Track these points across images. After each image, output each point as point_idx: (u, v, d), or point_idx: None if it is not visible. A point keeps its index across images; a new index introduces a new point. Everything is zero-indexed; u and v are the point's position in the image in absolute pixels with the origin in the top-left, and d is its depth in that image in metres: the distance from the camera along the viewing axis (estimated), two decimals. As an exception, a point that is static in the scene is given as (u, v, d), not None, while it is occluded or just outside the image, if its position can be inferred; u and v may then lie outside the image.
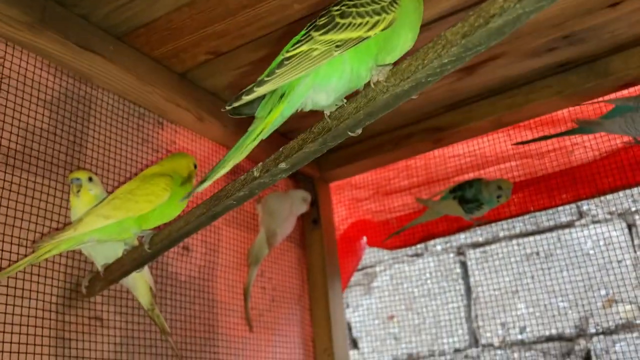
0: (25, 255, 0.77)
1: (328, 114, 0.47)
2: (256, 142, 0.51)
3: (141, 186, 0.78)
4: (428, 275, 2.23)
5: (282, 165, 0.51)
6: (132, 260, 0.73)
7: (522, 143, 1.24)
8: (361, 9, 0.47)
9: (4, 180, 0.78)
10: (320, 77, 0.47)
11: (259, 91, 0.47)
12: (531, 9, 0.36)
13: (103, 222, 0.74)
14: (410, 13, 0.49)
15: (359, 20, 0.46)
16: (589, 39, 1.05)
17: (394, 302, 2.29)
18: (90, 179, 0.83)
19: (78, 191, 0.82)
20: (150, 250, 0.70)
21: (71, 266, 0.84)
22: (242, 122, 1.17)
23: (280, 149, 0.51)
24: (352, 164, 1.37)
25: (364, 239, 1.53)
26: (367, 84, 0.45)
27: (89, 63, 0.90)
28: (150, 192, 0.76)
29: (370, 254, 2.38)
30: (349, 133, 0.47)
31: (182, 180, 0.82)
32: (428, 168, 1.33)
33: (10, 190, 0.79)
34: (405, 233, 1.42)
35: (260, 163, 0.53)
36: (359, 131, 0.47)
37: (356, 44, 0.46)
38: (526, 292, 1.51)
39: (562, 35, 1.03)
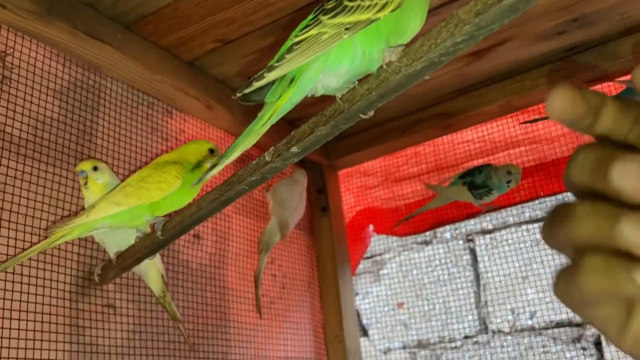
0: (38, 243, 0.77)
1: (340, 96, 0.47)
2: (265, 128, 0.51)
3: (153, 174, 0.78)
4: (437, 262, 2.23)
5: (294, 149, 0.51)
6: (145, 247, 0.73)
7: (530, 122, 1.23)
8: None
9: (16, 169, 0.79)
10: (331, 61, 0.47)
11: (269, 77, 0.47)
12: (545, -15, 0.35)
13: (115, 209, 0.74)
14: None
15: (367, 2, 0.46)
16: (599, 22, 1.04)
17: (403, 290, 2.29)
18: (95, 168, 0.82)
19: (85, 183, 0.82)
20: (162, 236, 0.70)
21: (83, 254, 0.85)
22: (250, 109, 1.17)
23: (292, 133, 0.51)
24: (360, 151, 1.37)
25: (371, 226, 1.53)
26: (380, 66, 0.45)
27: (98, 52, 0.90)
28: (162, 180, 0.76)
29: (378, 242, 2.39)
30: (361, 115, 0.47)
31: (191, 166, 0.82)
32: (437, 154, 1.33)
33: (22, 180, 0.79)
34: (415, 220, 1.42)
35: (272, 147, 0.53)
36: (371, 113, 0.47)
37: (366, 26, 0.46)
38: (536, 277, 1.51)
39: (572, 18, 1.02)
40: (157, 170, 0.78)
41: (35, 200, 0.80)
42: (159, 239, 0.71)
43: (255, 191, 1.23)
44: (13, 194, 0.78)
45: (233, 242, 1.14)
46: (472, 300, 2.01)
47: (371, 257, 2.38)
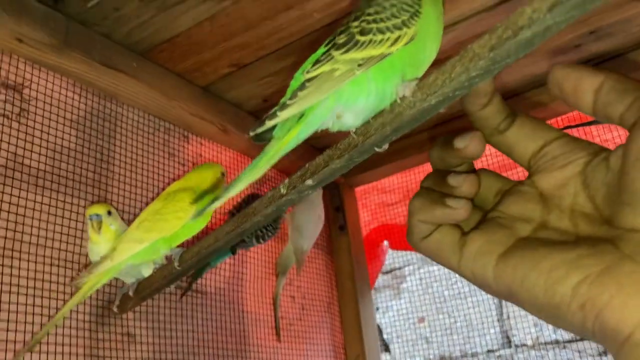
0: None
1: (354, 130, 0.46)
2: (271, 163, 0.50)
3: (167, 204, 0.78)
4: (458, 276, 2.20)
5: (309, 182, 0.50)
6: (163, 278, 0.73)
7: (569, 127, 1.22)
8: (381, 25, 0.45)
9: (34, 201, 0.79)
10: (346, 98, 0.46)
11: (282, 115, 0.46)
12: (561, 19, 0.34)
13: (138, 247, 0.74)
14: (433, 23, 0.47)
15: (379, 37, 0.45)
16: (616, 34, 1.02)
17: (424, 304, 2.27)
18: (109, 213, 0.80)
19: (99, 228, 0.79)
20: (180, 267, 0.70)
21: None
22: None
23: (306, 165, 0.50)
24: (377, 168, 1.36)
25: (386, 242, 1.52)
26: (394, 101, 0.44)
27: (114, 80, 0.91)
28: (178, 209, 0.76)
29: (398, 256, 2.37)
30: (376, 149, 0.46)
31: (204, 192, 0.81)
32: (455, 170, 1.32)
33: (40, 211, 0.80)
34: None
35: (287, 179, 0.53)
36: (386, 146, 0.46)
37: (379, 61, 0.45)
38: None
39: (589, 31, 1.01)
40: (170, 201, 0.78)
41: (53, 231, 0.81)
42: (176, 269, 0.70)
43: (273, 213, 1.22)
44: (32, 226, 0.78)
45: (250, 265, 1.14)
46: (494, 313, 1.98)
47: (391, 271, 2.37)
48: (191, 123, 1.05)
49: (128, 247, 0.74)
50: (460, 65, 0.39)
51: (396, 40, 0.45)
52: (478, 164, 0.42)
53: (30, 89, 0.83)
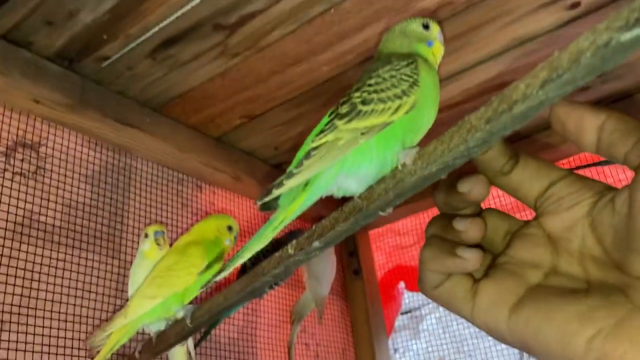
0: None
1: (357, 194, 0.47)
2: (277, 231, 0.51)
3: (179, 260, 0.78)
4: (476, 316, 2.17)
5: (316, 243, 0.51)
6: (175, 335, 0.73)
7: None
8: (382, 95, 0.47)
9: (50, 257, 0.81)
10: (349, 165, 0.47)
11: (289, 184, 0.47)
12: (554, 95, 0.35)
13: (151, 303, 0.74)
14: (430, 91, 0.49)
15: (381, 106, 0.46)
16: (624, 75, 1.03)
17: (444, 344, 2.24)
18: (163, 233, 0.85)
19: (164, 242, 0.84)
20: (191, 325, 0.70)
21: (116, 339, 0.86)
22: (276, 177, 1.19)
23: (313, 227, 0.51)
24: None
25: (402, 284, 1.51)
26: (395, 167, 0.45)
27: (128, 136, 0.93)
28: (189, 264, 0.77)
29: (415, 297, 2.34)
30: (380, 213, 0.47)
31: (211, 244, 0.82)
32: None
33: (55, 267, 0.81)
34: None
35: (295, 241, 0.53)
36: (390, 210, 0.47)
37: (381, 129, 0.46)
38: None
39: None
40: (181, 255, 0.79)
41: (68, 287, 0.82)
42: (188, 326, 0.71)
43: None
44: (47, 282, 0.79)
45: (263, 313, 1.13)
46: (516, 352, 1.95)
47: (409, 312, 2.34)
48: (204, 173, 1.06)
49: (141, 304, 0.75)
50: (458, 136, 0.40)
51: (397, 109, 0.46)
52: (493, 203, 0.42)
53: (46, 147, 0.85)
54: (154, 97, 0.93)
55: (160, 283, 0.76)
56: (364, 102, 0.47)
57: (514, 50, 0.89)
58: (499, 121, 0.37)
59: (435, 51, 0.56)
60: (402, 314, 2.27)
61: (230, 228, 0.85)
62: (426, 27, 0.56)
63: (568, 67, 0.32)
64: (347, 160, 0.47)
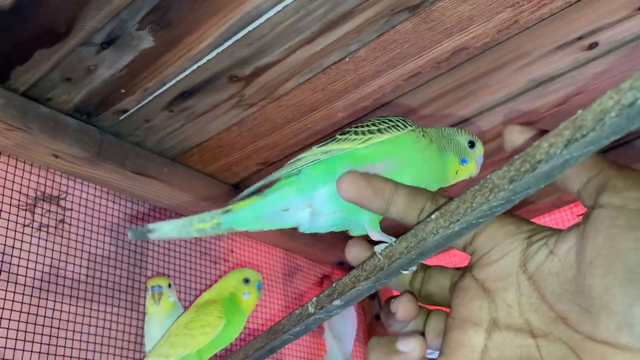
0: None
1: (379, 251, 0.46)
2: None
3: (196, 318, 0.77)
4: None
5: (337, 302, 0.49)
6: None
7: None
8: (359, 129, 0.48)
9: (69, 312, 0.80)
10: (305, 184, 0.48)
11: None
12: (579, 154, 0.34)
13: None
14: (417, 151, 0.48)
15: (354, 137, 0.47)
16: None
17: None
18: (169, 285, 0.84)
19: (159, 299, 0.82)
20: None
21: (136, 395, 0.84)
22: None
23: (334, 285, 0.50)
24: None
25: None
26: (418, 225, 0.44)
27: (146, 187, 0.93)
28: (205, 324, 0.76)
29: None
30: (402, 272, 0.46)
31: (227, 301, 0.81)
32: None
33: (75, 322, 0.80)
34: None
35: (315, 298, 0.52)
36: (413, 268, 0.46)
37: (341, 152, 0.47)
38: None
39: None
40: (199, 314, 0.78)
41: (87, 342, 0.81)
42: None
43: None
44: (66, 337, 0.79)
45: (288, 357, 1.11)
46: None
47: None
48: (222, 221, 1.06)
49: None
50: (480, 196, 0.39)
51: (367, 140, 0.46)
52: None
53: (66, 200, 0.86)
54: (171, 148, 0.93)
55: (175, 342, 0.75)
56: (342, 133, 0.47)
57: (532, 92, 0.89)
58: (523, 181, 0.36)
59: (463, 171, 0.54)
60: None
61: (247, 280, 0.84)
62: (472, 145, 0.55)
63: (592, 126, 0.31)
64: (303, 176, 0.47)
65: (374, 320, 1.33)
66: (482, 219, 0.40)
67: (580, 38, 0.78)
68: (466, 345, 0.31)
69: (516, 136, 0.31)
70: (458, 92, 0.87)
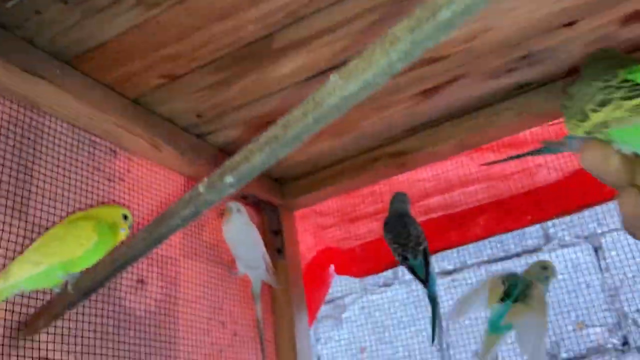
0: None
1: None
2: None
3: (68, 230, 0.74)
4: (398, 304, 2.19)
5: (229, 179, 0.48)
6: (61, 304, 0.68)
7: (489, 164, 1.23)
8: None
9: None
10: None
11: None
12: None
13: (33, 270, 0.69)
14: None
15: None
16: (547, 60, 1.05)
17: (366, 333, 2.25)
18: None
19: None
20: (73, 291, 0.65)
21: (12, 302, 0.79)
22: (200, 148, 1.14)
23: (225, 162, 0.48)
24: (316, 191, 1.34)
25: (332, 267, 1.49)
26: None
27: (36, 89, 0.86)
28: (80, 235, 0.73)
29: (339, 285, 2.34)
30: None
31: (106, 225, 0.79)
32: (393, 193, 1.31)
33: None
34: (372, 259, 1.39)
35: (206, 178, 0.50)
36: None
37: None
38: (497, 318, 1.48)
39: (521, 56, 1.03)
40: (71, 226, 0.75)
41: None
42: (70, 293, 0.65)
43: (204, 233, 1.18)
44: None
45: (183, 288, 1.09)
46: (435, 343, 1.97)
47: (332, 301, 2.34)
48: (119, 137, 1.00)
49: (23, 268, 0.69)
50: (380, 50, 0.38)
51: None
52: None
53: (-60, 92, 0.78)
54: (65, 48, 0.86)
55: (45, 250, 0.71)
56: None
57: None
58: (422, 29, 0.36)
59: None
60: (325, 303, 2.26)
61: (125, 217, 0.84)
62: None
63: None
64: None
65: (277, 255, 1.33)
66: (380, 77, 0.39)
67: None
68: None
69: None
70: None
